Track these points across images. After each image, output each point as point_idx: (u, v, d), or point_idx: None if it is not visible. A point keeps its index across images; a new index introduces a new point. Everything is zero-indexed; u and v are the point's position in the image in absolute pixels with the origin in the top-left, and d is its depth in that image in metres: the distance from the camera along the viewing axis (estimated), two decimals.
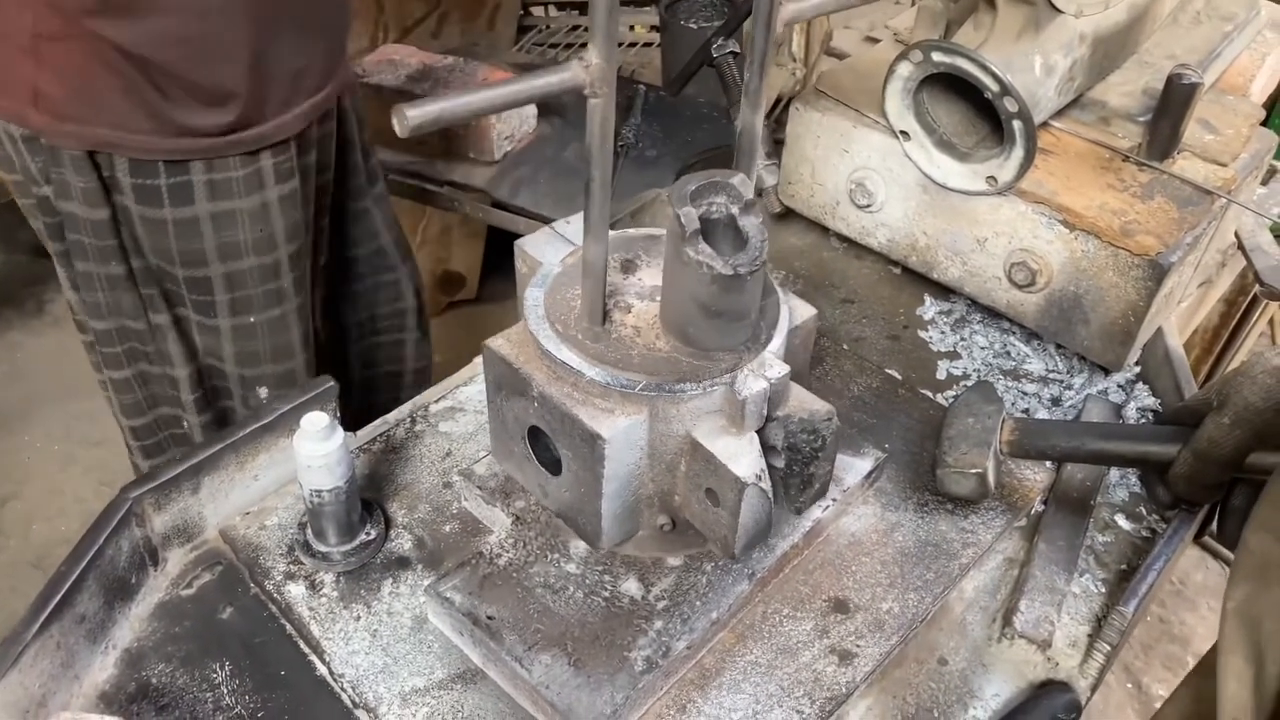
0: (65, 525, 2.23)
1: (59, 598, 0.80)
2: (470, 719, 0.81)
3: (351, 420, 1.01)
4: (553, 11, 3.05)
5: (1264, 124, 1.25)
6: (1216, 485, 0.90)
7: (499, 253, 2.79)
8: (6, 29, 1.14)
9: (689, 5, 2.17)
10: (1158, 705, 1.96)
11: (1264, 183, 1.48)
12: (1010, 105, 1.00)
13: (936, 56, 1.03)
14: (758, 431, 0.78)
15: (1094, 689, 0.89)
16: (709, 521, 0.81)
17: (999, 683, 0.89)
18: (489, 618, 0.84)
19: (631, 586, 0.87)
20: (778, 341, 0.82)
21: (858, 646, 0.88)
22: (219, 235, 1.30)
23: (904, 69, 1.07)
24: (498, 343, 0.84)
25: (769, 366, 0.78)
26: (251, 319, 1.38)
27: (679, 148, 2.13)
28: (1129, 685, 2.04)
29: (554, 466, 0.84)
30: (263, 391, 1.42)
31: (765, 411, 0.78)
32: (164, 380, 1.42)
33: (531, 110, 2.10)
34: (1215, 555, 2.24)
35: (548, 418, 0.81)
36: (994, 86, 1.01)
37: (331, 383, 0.98)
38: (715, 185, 0.76)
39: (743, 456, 0.77)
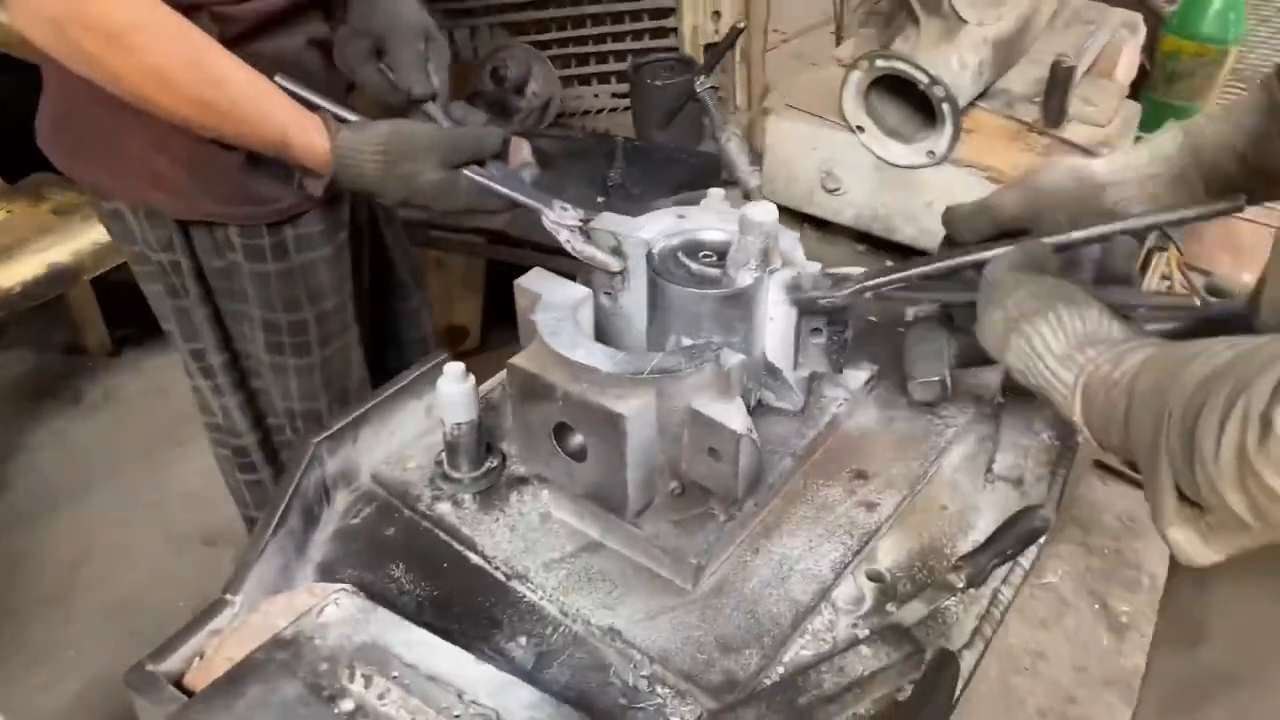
0: (135, 578, 2.36)
1: (279, 513, 1.05)
2: (600, 574, 1.06)
3: None
4: None
5: (1132, 98, 1.60)
6: None
7: (498, 305, 3.03)
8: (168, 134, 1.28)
9: (653, 68, 2.57)
10: (1123, 619, 2.26)
11: None
12: (939, 92, 1.33)
13: (880, 63, 1.35)
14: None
15: (1058, 507, 1.17)
16: (712, 476, 1.00)
17: (988, 516, 1.16)
18: None
19: None
20: None
21: (879, 499, 1.15)
22: (338, 271, 1.53)
23: (855, 76, 1.39)
24: (520, 360, 1.01)
25: None
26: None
27: (656, 184, 2.44)
28: (1096, 606, 2.32)
29: (579, 455, 1.00)
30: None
31: (746, 379, 0.99)
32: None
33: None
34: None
35: (572, 411, 0.97)
36: (925, 79, 1.33)
37: (445, 354, 1.24)
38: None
39: (735, 416, 0.94)
